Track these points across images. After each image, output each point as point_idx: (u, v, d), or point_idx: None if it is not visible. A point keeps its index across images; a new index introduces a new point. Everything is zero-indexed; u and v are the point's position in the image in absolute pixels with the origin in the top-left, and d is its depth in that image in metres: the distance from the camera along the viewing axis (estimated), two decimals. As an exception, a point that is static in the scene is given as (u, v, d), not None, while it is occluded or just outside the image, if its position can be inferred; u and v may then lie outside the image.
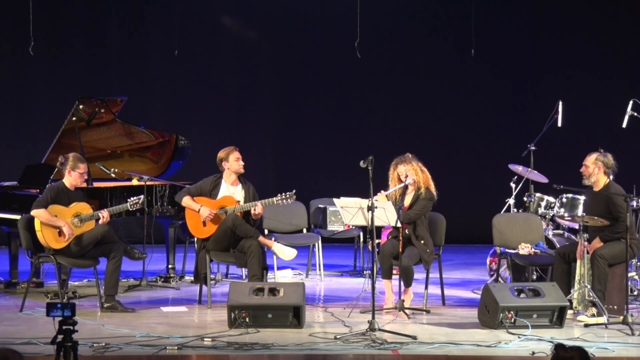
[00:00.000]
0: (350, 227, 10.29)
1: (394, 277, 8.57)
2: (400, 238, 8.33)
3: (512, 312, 7.60)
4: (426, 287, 8.61)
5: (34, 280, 9.01)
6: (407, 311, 8.19)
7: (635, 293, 9.05)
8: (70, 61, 13.44)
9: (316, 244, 10.31)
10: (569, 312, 7.95)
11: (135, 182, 9.60)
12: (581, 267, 8.12)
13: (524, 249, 8.65)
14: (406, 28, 13.73)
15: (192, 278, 9.73)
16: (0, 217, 9.28)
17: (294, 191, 8.70)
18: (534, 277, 9.29)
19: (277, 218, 10.24)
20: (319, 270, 10.37)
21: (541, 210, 9.61)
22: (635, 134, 10.84)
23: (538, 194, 9.74)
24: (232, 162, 8.79)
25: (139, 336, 7.28)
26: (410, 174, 8.50)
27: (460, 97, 13.77)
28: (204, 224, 8.68)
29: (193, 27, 13.57)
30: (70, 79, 13.27)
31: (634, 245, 8.17)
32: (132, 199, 8.65)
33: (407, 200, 8.58)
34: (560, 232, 9.58)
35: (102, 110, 9.99)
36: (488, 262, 9.80)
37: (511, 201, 9.97)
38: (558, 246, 9.02)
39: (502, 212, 9.78)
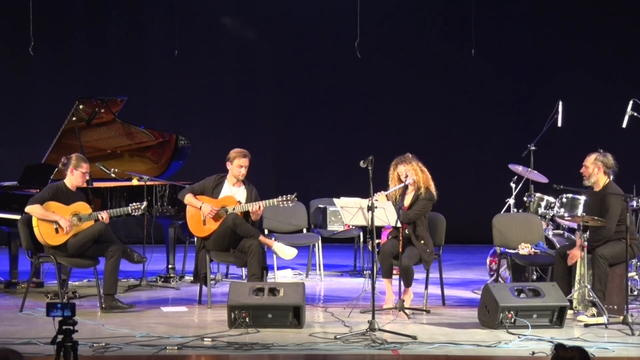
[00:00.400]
0: (350, 227, 10.29)
1: (394, 277, 8.57)
2: (400, 238, 8.33)
3: (512, 312, 7.60)
4: (426, 287, 8.61)
5: (34, 280, 9.01)
6: (407, 311, 8.19)
7: (635, 293, 9.05)
8: (70, 61, 13.44)
9: (316, 244, 10.31)
10: (569, 312, 7.95)
11: (135, 182, 9.60)
12: (581, 267, 8.12)
13: (524, 249, 8.64)
14: (406, 28, 13.72)
15: (192, 278, 9.73)
16: (0, 217, 9.29)
17: (295, 194, 8.70)
18: (534, 277, 9.29)
19: (277, 218, 10.24)
20: (319, 270, 10.37)
21: (541, 210, 9.61)
22: (635, 134, 10.84)
23: (538, 194, 9.74)
24: (234, 167, 8.77)
25: (139, 336, 7.28)
26: (410, 174, 8.50)
27: (460, 97, 13.78)
28: (204, 222, 8.68)
29: (193, 27, 13.58)
30: (70, 79, 13.27)
31: (634, 245, 8.17)
32: (134, 204, 8.64)
33: (407, 200, 8.58)
34: (560, 232, 9.58)
35: (102, 110, 9.99)
36: (488, 262, 9.80)
37: (511, 201, 9.97)
38: (558, 246, 9.03)
39: (502, 212, 9.78)
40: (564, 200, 9.20)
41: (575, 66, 13.65)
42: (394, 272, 8.58)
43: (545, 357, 6.64)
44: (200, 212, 8.67)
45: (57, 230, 8.32)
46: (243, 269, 9.78)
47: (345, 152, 13.13)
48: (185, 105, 13.70)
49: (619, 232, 8.16)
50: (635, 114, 9.68)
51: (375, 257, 8.14)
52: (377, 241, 8.18)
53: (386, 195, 8.42)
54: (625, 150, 9.84)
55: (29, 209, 8.31)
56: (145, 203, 8.72)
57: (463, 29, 13.36)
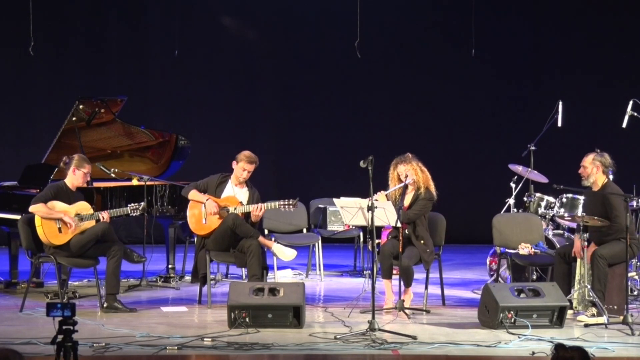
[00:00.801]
0: (350, 227, 10.29)
1: (394, 277, 8.57)
2: (400, 238, 8.33)
3: (512, 312, 7.60)
4: (426, 287, 8.61)
5: (34, 280, 9.01)
6: (407, 311, 8.19)
7: (635, 293, 9.05)
8: (70, 61, 13.45)
9: (316, 244, 10.31)
10: (569, 312, 7.95)
11: (135, 182, 9.60)
12: (581, 267, 8.12)
13: (524, 249, 8.65)
14: (406, 28, 13.73)
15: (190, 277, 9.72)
16: (0, 217, 9.29)
17: (297, 199, 8.71)
18: (534, 277, 9.28)
19: (277, 218, 10.23)
20: (319, 270, 10.37)
21: (541, 210, 9.62)
22: (635, 134, 10.84)
23: (538, 194, 9.75)
24: (239, 168, 8.79)
25: (139, 336, 7.27)
26: (410, 174, 8.50)
27: (460, 97, 13.78)
28: (205, 220, 8.68)
29: (193, 27, 13.58)
30: (70, 79, 13.28)
31: (634, 245, 8.17)
32: (132, 204, 8.65)
33: (407, 200, 8.58)
34: (560, 232, 9.58)
35: (102, 110, 9.99)
36: (488, 262, 9.80)
37: (511, 201, 9.97)
38: (558, 246, 9.02)
39: (502, 212, 9.77)
40: (564, 200, 9.20)
41: (575, 66, 13.65)
42: (394, 272, 8.58)
43: (545, 357, 6.64)
44: (201, 211, 8.67)
45: (60, 230, 8.32)
46: (243, 269, 9.78)
47: (345, 152, 13.13)
48: (185, 105, 13.70)
49: (619, 231, 8.15)
50: (635, 114, 9.67)
51: (375, 257, 8.14)
52: (377, 241, 8.18)
53: (386, 195, 8.42)
54: (625, 151, 9.85)
55: (33, 208, 8.31)
56: (143, 203, 8.72)
57: (463, 29, 13.36)
